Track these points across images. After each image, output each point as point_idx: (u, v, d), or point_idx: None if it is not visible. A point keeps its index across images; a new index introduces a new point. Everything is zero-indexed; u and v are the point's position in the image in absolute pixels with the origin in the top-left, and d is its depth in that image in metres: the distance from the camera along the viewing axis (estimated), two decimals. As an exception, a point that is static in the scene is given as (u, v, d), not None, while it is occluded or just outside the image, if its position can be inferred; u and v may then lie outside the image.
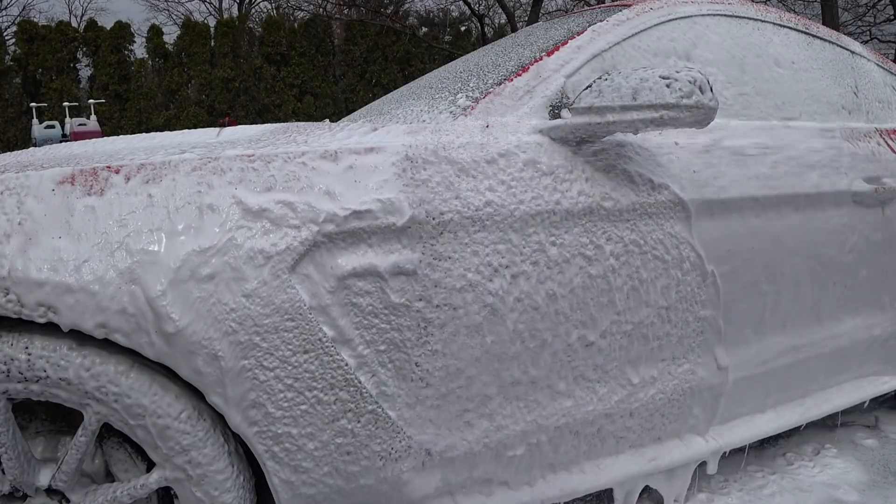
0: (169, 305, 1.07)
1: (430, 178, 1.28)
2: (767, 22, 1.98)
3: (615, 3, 1.92)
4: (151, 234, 1.09)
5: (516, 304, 1.33)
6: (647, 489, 1.65)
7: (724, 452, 1.70)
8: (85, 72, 17.08)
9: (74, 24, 18.91)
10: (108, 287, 1.05)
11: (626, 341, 1.48)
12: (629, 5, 1.77)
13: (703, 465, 1.69)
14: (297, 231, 1.16)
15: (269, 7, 24.41)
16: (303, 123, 1.43)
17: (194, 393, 1.17)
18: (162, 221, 1.11)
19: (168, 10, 28.53)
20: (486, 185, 1.32)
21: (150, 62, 17.07)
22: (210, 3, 27.43)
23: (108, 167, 1.14)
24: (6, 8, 22.12)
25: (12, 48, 16.43)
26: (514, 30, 13.80)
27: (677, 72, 1.29)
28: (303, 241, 1.16)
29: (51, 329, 1.10)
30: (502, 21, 19.37)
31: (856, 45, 2.23)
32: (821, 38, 2.11)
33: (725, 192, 1.58)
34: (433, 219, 1.26)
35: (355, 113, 2.24)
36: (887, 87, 2.24)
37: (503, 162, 1.35)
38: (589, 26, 1.65)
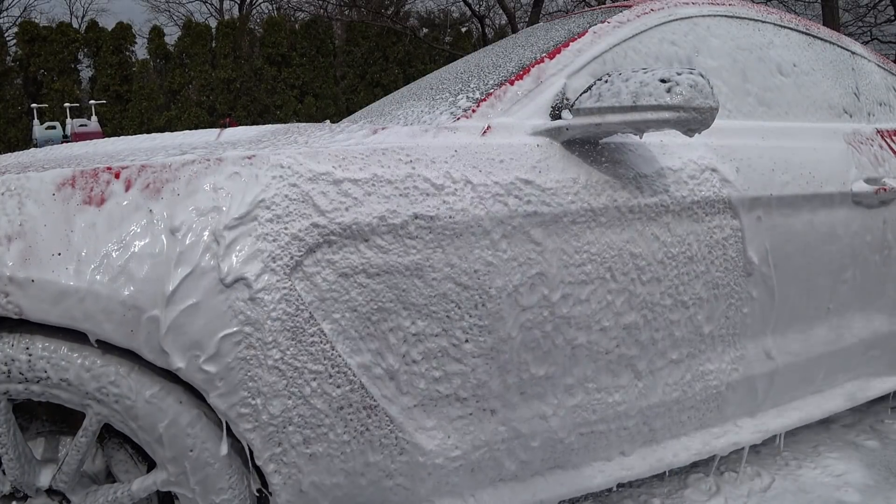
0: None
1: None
2: (768, 23, 1.98)
3: (616, 3, 1.92)
4: (154, 241, 1.09)
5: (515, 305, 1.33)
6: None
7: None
8: (86, 73, 17.11)
9: (75, 25, 18.94)
10: (112, 298, 1.05)
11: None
12: (630, 6, 1.77)
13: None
14: (296, 235, 1.16)
15: (270, 8, 24.44)
16: (303, 124, 1.43)
17: (195, 395, 1.17)
18: (164, 227, 1.11)
19: (169, 12, 28.54)
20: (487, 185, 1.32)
21: (151, 63, 17.08)
22: (211, 4, 27.47)
23: (109, 168, 1.14)
24: (7, 9, 22.13)
25: (13, 49, 16.44)
26: (514, 31, 13.79)
27: (678, 73, 1.29)
28: (302, 244, 1.16)
29: (52, 330, 1.10)
30: (503, 22, 19.37)
31: (856, 46, 2.23)
32: (821, 39, 2.11)
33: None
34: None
35: (356, 114, 2.24)
36: (888, 89, 2.24)
37: (504, 162, 1.35)
38: (590, 27, 1.65)
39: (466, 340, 1.30)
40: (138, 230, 1.09)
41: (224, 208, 1.13)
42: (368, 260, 1.21)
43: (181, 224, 1.10)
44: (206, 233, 1.11)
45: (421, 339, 1.26)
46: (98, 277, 1.05)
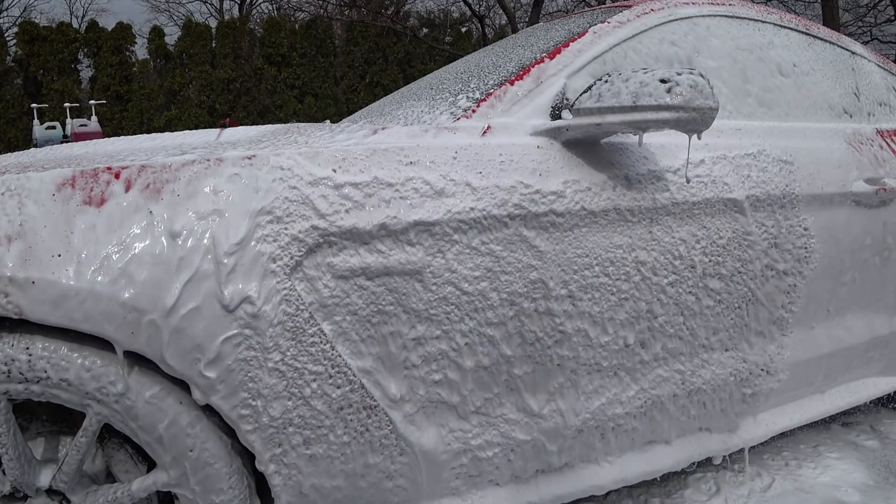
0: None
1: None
2: (768, 23, 1.98)
3: (616, 3, 1.92)
4: (154, 244, 1.09)
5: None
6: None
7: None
8: (86, 73, 17.10)
9: (75, 25, 18.93)
10: (112, 300, 1.05)
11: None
12: (630, 6, 1.77)
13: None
14: (296, 236, 1.16)
15: (270, 8, 24.43)
16: (303, 124, 1.43)
17: (195, 394, 1.17)
18: (164, 229, 1.10)
19: (169, 12, 28.53)
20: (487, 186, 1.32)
21: (151, 63, 17.08)
22: (211, 4, 27.46)
23: (109, 168, 1.14)
24: (7, 9, 22.11)
25: (13, 49, 16.43)
26: (514, 31, 13.78)
27: (678, 74, 1.29)
28: (302, 245, 1.16)
29: (52, 330, 1.10)
30: (503, 22, 19.37)
31: (856, 46, 2.23)
32: (822, 39, 2.11)
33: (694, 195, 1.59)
34: None
35: (356, 114, 2.24)
36: (888, 89, 2.24)
37: (505, 164, 1.35)
38: (590, 27, 1.65)
39: (466, 344, 1.30)
40: (138, 232, 1.09)
41: (226, 214, 1.12)
42: (368, 263, 1.20)
43: (181, 228, 1.10)
44: (207, 237, 1.10)
45: (421, 342, 1.26)
46: (98, 279, 1.05)
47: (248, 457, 1.26)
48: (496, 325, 1.32)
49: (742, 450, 1.76)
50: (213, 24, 18.43)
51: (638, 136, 1.38)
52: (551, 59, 1.54)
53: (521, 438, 1.40)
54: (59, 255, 1.05)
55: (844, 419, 2.24)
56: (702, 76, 1.30)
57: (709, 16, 1.84)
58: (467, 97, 1.51)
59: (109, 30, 16.51)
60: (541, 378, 1.39)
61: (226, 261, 1.10)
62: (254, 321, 1.12)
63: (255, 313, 1.12)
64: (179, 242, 1.09)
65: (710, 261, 1.57)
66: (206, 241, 1.10)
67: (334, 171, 1.21)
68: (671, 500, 1.78)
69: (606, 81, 1.38)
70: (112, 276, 1.06)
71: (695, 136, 1.37)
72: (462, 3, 15.64)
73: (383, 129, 1.35)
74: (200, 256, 1.09)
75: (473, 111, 1.44)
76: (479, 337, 1.31)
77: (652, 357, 1.53)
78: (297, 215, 1.16)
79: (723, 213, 1.59)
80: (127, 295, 1.05)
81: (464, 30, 19.72)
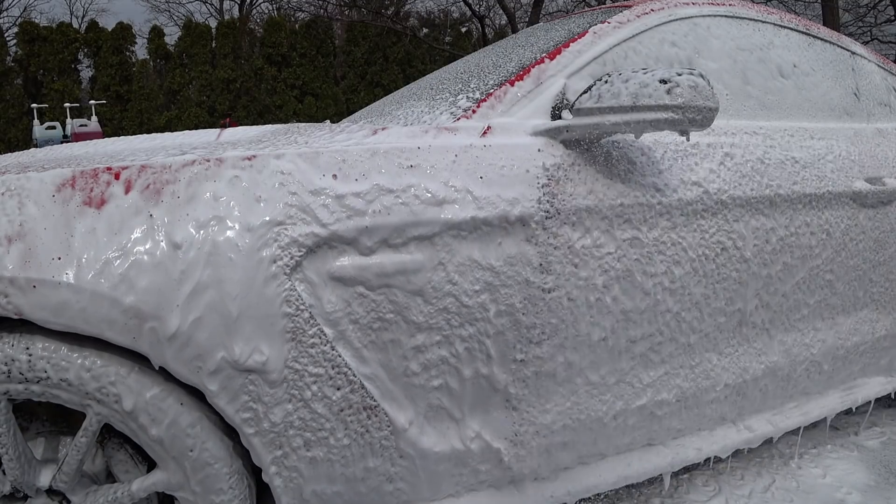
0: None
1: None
2: (768, 23, 1.98)
3: (616, 3, 1.92)
4: (154, 248, 1.09)
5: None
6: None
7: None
8: (86, 73, 17.11)
9: (75, 26, 18.92)
10: (113, 305, 1.05)
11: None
12: (630, 6, 1.77)
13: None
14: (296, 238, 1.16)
15: (270, 8, 24.43)
16: (303, 124, 1.43)
17: (196, 395, 1.17)
18: (164, 233, 1.10)
19: (169, 12, 28.57)
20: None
21: (151, 63, 17.08)
22: (211, 4, 27.47)
23: (109, 169, 1.14)
24: (7, 9, 22.12)
25: (13, 49, 16.44)
26: (514, 31, 13.78)
27: (678, 74, 1.29)
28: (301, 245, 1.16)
29: (52, 330, 1.10)
30: (503, 22, 19.36)
31: (856, 46, 2.23)
32: (822, 39, 2.11)
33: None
34: None
35: (356, 114, 2.24)
36: (888, 89, 2.24)
37: (505, 167, 1.35)
38: (590, 28, 1.65)
39: (466, 349, 1.30)
40: (139, 235, 1.08)
41: (227, 221, 1.11)
42: (368, 270, 1.20)
43: (181, 235, 1.09)
44: (208, 245, 1.10)
45: (421, 350, 1.26)
46: (99, 283, 1.05)
47: (248, 458, 1.26)
48: (498, 335, 1.31)
49: (742, 449, 1.76)
50: (213, 24, 18.43)
51: (637, 135, 1.38)
52: (551, 59, 1.54)
53: (520, 453, 1.40)
54: (59, 258, 1.05)
55: (845, 419, 2.24)
56: (702, 77, 1.30)
57: (709, 16, 1.84)
58: (467, 97, 1.51)
59: (109, 30, 16.52)
60: (540, 388, 1.39)
61: (231, 309, 1.09)
62: (262, 367, 1.13)
63: (264, 361, 1.12)
64: (180, 254, 1.09)
65: (714, 257, 1.57)
66: (206, 248, 1.10)
67: (335, 176, 1.20)
68: (671, 500, 1.78)
69: (606, 82, 1.37)
70: (113, 280, 1.05)
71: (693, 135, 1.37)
72: (462, 3, 15.64)
73: (383, 129, 1.34)
74: (201, 267, 1.09)
75: (474, 111, 1.44)
76: (480, 345, 1.31)
77: (650, 363, 1.53)
78: (297, 219, 1.16)
79: (722, 214, 1.59)
80: (128, 300, 1.05)
81: (464, 30, 19.72)
